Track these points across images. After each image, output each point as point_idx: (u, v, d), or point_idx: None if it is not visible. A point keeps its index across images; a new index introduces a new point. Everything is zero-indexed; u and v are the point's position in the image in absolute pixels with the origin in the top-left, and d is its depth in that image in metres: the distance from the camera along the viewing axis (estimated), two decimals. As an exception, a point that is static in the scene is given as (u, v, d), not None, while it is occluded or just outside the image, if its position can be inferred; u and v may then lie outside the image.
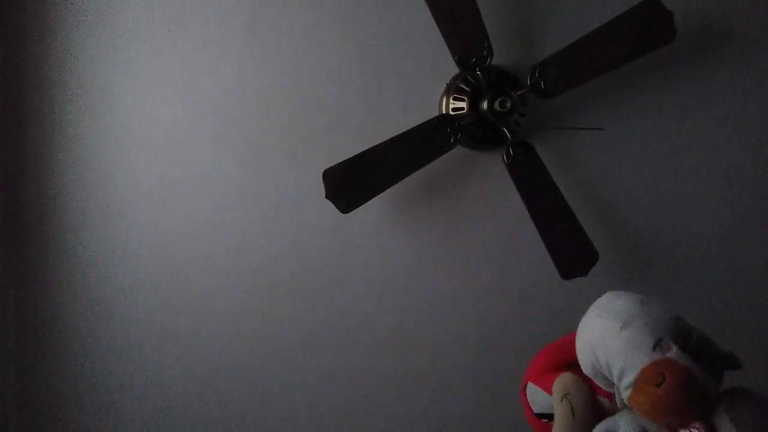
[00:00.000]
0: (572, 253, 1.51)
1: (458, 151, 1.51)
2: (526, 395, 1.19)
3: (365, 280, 1.58)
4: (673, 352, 0.98)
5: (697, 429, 0.97)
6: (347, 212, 1.45)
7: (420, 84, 1.56)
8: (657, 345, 0.99)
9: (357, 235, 1.56)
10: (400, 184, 1.47)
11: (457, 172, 1.58)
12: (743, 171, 1.63)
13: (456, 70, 1.52)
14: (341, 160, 1.43)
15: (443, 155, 1.48)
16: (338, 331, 1.59)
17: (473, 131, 1.53)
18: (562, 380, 1.10)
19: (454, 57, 1.44)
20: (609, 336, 1.03)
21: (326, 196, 1.43)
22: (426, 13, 1.42)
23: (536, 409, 1.16)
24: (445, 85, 1.56)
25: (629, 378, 0.99)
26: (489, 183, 1.58)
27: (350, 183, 1.44)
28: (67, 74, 1.53)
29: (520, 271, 1.60)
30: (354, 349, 1.59)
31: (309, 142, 1.56)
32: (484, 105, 1.49)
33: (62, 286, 1.55)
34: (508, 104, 1.47)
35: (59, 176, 1.54)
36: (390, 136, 1.44)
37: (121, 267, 1.55)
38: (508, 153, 1.49)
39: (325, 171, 1.42)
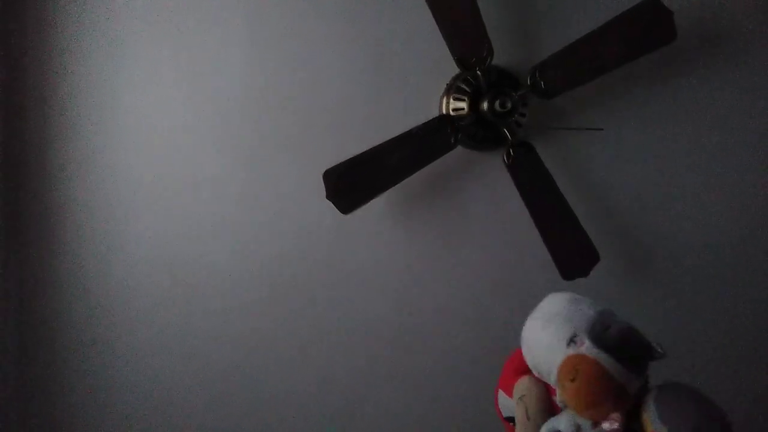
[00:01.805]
0: (573, 254, 1.51)
1: (459, 151, 1.51)
2: (497, 401, 1.21)
3: (365, 280, 1.58)
4: (585, 347, 0.99)
5: (614, 420, 0.97)
6: (348, 213, 1.45)
7: (420, 84, 1.56)
8: (571, 341, 1.01)
9: (357, 236, 1.56)
10: (400, 184, 1.47)
11: (457, 172, 1.58)
12: (743, 170, 1.63)
13: (456, 71, 1.52)
14: (342, 161, 1.43)
15: (444, 155, 1.48)
16: (338, 331, 1.59)
17: (473, 131, 1.53)
18: (520, 384, 1.13)
19: (454, 57, 1.44)
20: (535, 336, 1.07)
21: (327, 197, 1.42)
22: (426, 14, 1.42)
23: (505, 413, 1.19)
24: (445, 86, 1.56)
25: (553, 376, 1.02)
26: (489, 183, 1.58)
27: (351, 183, 1.44)
28: (67, 75, 1.53)
29: (521, 272, 1.60)
30: (354, 348, 1.59)
31: (309, 143, 1.56)
32: (485, 105, 1.49)
33: (62, 286, 1.54)
34: (509, 104, 1.47)
35: (60, 176, 1.54)
36: (390, 137, 1.44)
37: (122, 267, 1.55)
38: (508, 153, 1.49)
39: (325, 171, 1.42)
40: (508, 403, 1.16)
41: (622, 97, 1.60)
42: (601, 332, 0.99)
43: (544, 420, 1.07)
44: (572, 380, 0.98)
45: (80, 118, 1.53)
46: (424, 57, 1.55)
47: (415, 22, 1.53)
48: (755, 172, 1.63)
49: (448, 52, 1.44)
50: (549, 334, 1.05)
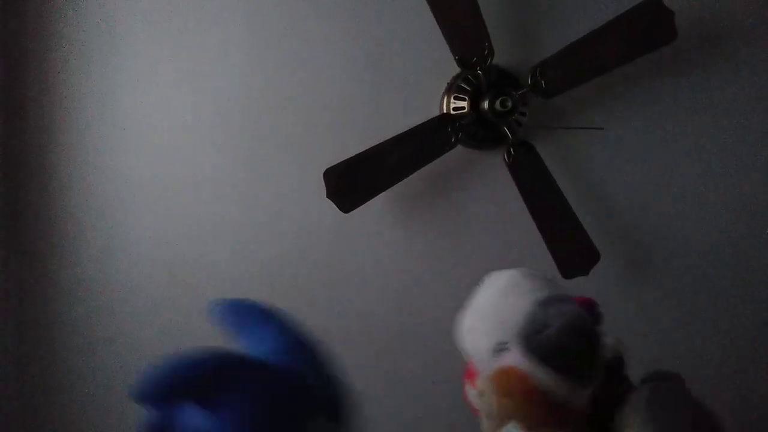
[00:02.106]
0: (573, 253, 1.51)
1: (459, 150, 1.51)
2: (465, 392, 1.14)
3: (366, 279, 1.58)
4: (513, 357, 0.81)
5: None
6: (348, 211, 1.45)
7: (421, 83, 1.56)
8: (498, 349, 0.83)
9: (358, 235, 1.56)
10: (400, 183, 1.47)
11: (457, 171, 1.58)
12: (744, 170, 1.63)
13: (457, 70, 1.52)
14: (342, 160, 1.43)
15: (444, 155, 1.48)
16: (339, 330, 1.57)
17: (474, 131, 1.53)
18: (481, 379, 1.00)
19: (454, 56, 1.44)
20: (461, 342, 0.92)
21: (327, 196, 1.42)
22: (427, 13, 1.42)
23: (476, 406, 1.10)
24: (445, 85, 1.56)
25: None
26: (490, 182, 1.58)
27: (351, 182, 1.44)
28: (67, 75, 1.53)
29: (521, 271, 1.60)
30: (355, 348, 1.58)
31: (310, 142, 1.55)
32: (485, 104, 1.49)
33: (62, 286, 1.54)
34: (509, 104, 1.47)
35: (60, 176, 1.53)
36: (391, 136, 1.44)
37: (122, 266, 1.55)
38: (508, 152, 1.50)
39: (326, 170, 1.42)
40: (473, 394, 1.10)
41: (622, 96, 1.60)
42: (534, 336, 0.80)
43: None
44: (505, 395, 0.81)
45: (80, 118, 1.53)
46: (425, 56, 1.55)
47: (415, 22, 1.53)
48: (755, 171, 1.63)
49: (449, 51, 1.44)
50: (473, 340, 0.87)
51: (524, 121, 1.53)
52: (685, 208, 1.63)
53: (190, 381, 0.65)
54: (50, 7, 1.52)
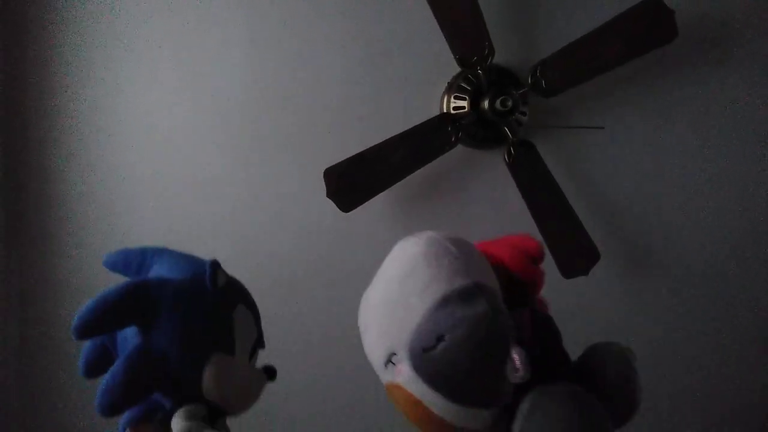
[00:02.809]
0: (573, 252, 1.51)
1: (459, 150, 1.51)
2: None
3: (366, 278, 1.57)
4: (402, 375, 0.68)
5: None
6: (348, 211, 1.45)
7: (421, 83, 1.56)
8: (388, 361, 0.71)
9: (358, 234, 1.56)
10: (401, 182, 1.47)
11: (458, 171, 1.58)
12: (744, 169, 1.63)
13: (457, 69, 1.52)
14: (342, 159, 1.42)
15: (444, 154, 1.48)
16: (339, 330, 1.58)
17: (474, 130, 1.53)
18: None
19: (455, 56, 1.44)
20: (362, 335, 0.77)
21: (327, 195, 1.42)
22: (427, 13, 1.42)
23: None
24: (446, 84, 1.56)
25: None
26: (490, 182, 1.58)
27: (351, 182, 1.44)
28: (67, 75, 1.53)
29: (521, 270, 1.60)
30: (355, 347, 1.58)
31: (310, 141, 1.55)
32: (485, 104, 1.49)
33: (62, 285, 1.54)
34: (509, 103, 1.47)
35: (60, 176, 1.53)
36: (391, 135, 1.44)
37: (122, 266, 1.54)
38: (509, 152, 1.49)
39: (326, 170, 1.42)
40: None
41: (623, 95, 1.60)
42: (421, 354, 0.65)
43: None
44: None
45: (80, 118, 1.53)
46: (425, 56, 1.55)
47: (415, 22, 1.53)
48: (757, 170, 1.63)
49: (449, 50, 1.44)
50: (367, 343, 0.76)
51: (524, 121, 1.53)
52: (686, 206, 1.63)
53: (111, 311, 0.75)
54: (50, 6, 1.52)
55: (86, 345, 0.85)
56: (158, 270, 0.82)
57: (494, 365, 0.63)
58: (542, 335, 0.73)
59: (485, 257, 0.77)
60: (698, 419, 1.63)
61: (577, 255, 1.51)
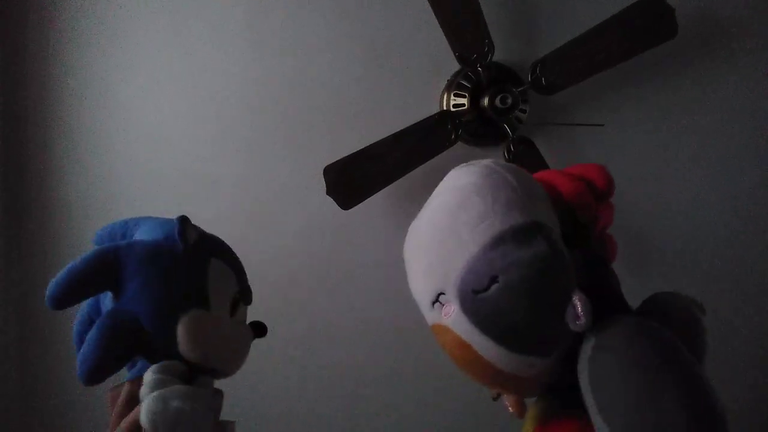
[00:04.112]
0: (573, 251, 1.50)
1: (459, 147, 1.51)
2: None
3: (366, 276, 1.58)
4: (450, 315, 0.62)
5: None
6: (348, 208, 1.45)
7: (421, 80, 1.56)
8: (436, 301, 0.65)
9: (358, 231, 1.56)
10: (400, 180, 1.47)
11: (458, 168, 1.58)
12: (745, 168, 1.63)
13: (457, 67, 1.52)
14: (342, 157, 1.42)
15: (444, 152, 1.48)
16: (339, 328, 1.58)
17: (474, 128, 1.53)
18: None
19: (455, 53, 1.44)
20: (407, 272, 0.69)
21: (327, 192, 1.42)
22: (427, 9, 1.42)
23: None
24: (446, 82, 1.56)
25: None
26: (490, 180, 1.57)
27: (351, 179, 1.44)
28: (67, 74, 1.53)
29: (522, 268, 1.59)
30: (355, 345, 1.58)
31: (310, 138, 1.55)
32: (485, 101, 1.49)
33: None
34: (509, 100, 1.47)
35: (60, 176, 1.53)
36: (391, 133, 1.44)
37: (121, 265, 1.54)
38: (509, 149, 1.49)
39: (326, 167, 1.42)
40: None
41: (623, 93, 1.60)
42: (471, 295, 0.60)
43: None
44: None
45: (80, 118, 1.53)
46: (425, 53, 1.55)
47: (415, 19, 1.53)
48: (757, 169, 1.63)
49: (449, 48, 1.44)
50: (413, 278, 0.68)
51: (524, 118, 1.53)
52: (686, 206, 1.63)
53: (81, 279, 0.77)
54: (50, 6, 1.52)
55: (76, 329, 0.85)
56: (139, 236, 0.82)
57: (553, 312, 0.58)
58: (596, 280, 0.67)
59: (546, 190, 0.68)
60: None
61: (577, 253, 1.51)
